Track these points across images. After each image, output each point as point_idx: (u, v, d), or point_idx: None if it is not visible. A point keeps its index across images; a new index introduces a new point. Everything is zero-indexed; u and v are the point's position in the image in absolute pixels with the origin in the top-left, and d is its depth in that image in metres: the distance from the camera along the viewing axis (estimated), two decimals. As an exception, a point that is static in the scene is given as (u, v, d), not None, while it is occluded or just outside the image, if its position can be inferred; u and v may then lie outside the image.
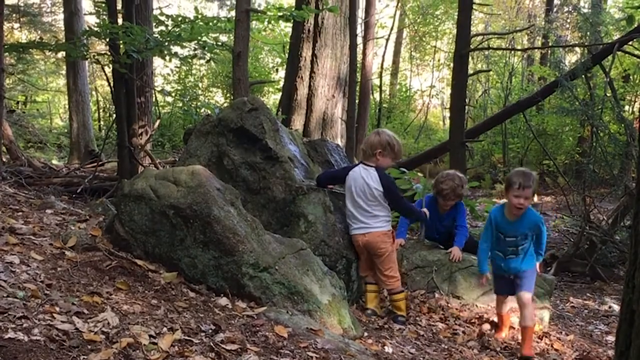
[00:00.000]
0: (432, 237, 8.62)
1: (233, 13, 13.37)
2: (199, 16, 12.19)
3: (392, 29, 30.83)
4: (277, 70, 29.22)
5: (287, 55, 17.92)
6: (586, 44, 13.33)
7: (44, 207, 8.08)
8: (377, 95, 29.49)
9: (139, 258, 6.08)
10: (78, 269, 5.52)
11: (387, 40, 30.96)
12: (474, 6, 13.64)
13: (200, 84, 29.52)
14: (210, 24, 12.36)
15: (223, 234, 5.83)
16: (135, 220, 6.21)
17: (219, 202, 6.01)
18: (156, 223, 6.10)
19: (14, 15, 20.38)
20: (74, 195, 11.95)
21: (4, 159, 13.67)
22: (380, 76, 30.38)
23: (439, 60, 36.76)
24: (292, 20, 13.25)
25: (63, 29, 21.28)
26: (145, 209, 6.16)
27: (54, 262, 5.56)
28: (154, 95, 16.53)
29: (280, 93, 19.09)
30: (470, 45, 13.49)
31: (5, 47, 12.03)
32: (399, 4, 31.24)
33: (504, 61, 27.86)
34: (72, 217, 7.72)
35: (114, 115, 13.71)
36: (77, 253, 5.96)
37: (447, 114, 27.81)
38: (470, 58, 15.87)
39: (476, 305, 7.79)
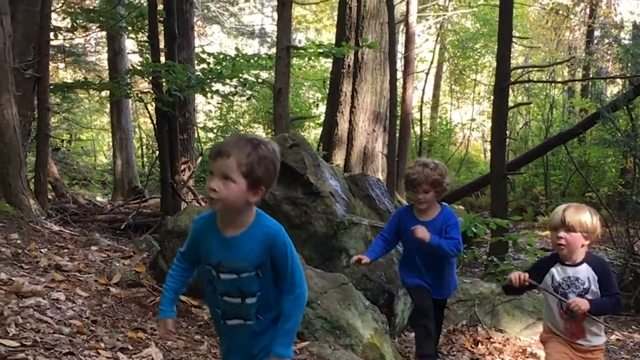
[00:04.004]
0: (413, 264, 5.99)
1: (273, 50, 13.51)
2: (240, 54, 12.33)
3: (431, 63, 30.83)
4: (317, 105, 29.32)
5: (327, 90, 18.03)
6: (627, 75, 13.29)
7: (88, 244, 8.19)
8: (417, 129, 29.46)
9: (182, 294, 6.13)
10: (122, 305, 5.60)
11: (427, 74, 30.95)
12: (514, 39, 13.65)
13: (241, 120, 29.73)
14: (251, 61, 12.51)
15: (265, 269, 5.86)
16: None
17: (261, 237, 6.05)
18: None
19: (59, 55, 20.74)
20: (117, 232, 12.06)
21: (50, 197, 13.86)
22: (421, 110, 30.34)
23: (479, 93, 36.64)
24: (332, 57, 13.35)
25: (107, 68, 21.60)
26: (188, 245, 6.21)
27: (99, 299, 5.64)
28: (196, 131, 16.69)
29: (321, 128, 19.18)
30: (511, 78, 13.48)
31: (51, 87, 12.25)
32: (439, 38, 31.27)
33: (545, 93, 27.72)
34: (116, 253, 7.82)
35: (157, 152, 13.86)
36: (121, 289, 6.04)
37: (488, 147, 27.69)
38: (510, 90, 15.84)
39: (519, 339, 7.73)
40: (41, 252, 6.86)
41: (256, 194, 3.12)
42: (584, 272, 4.50)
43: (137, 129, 29.89)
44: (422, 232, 5.59)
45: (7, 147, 8.50)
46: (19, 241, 6.96)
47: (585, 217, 4.47)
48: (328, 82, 18.46)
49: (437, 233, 5.70)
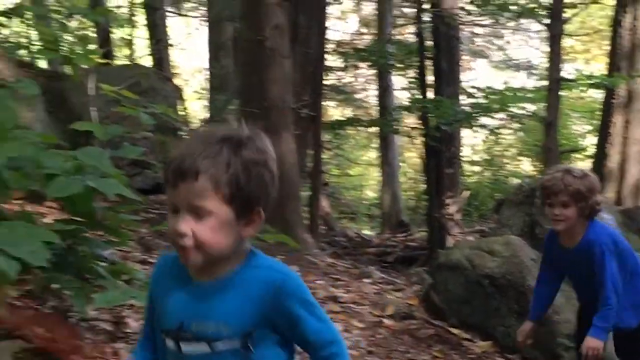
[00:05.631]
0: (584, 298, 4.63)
1: (541, 82, 13.40)
2: (508, 87, 12.32)
3: None
4: (585, 137, 28.57)
5: (597, 121, 17.56)
6: None
7: (361, 276, 8.42)
8: (695, 160, 27.89)
9: (453, 326, 6.20)
10: (396, 337, 5.73)
11: None
12: None
13: (507, 153, 29.44)
14: (519, 94, 12.44)
15: (538, 305, 5.82)
16: (450, 289, 6.36)
17: (533, 272, 6.01)
18: (470, 292, 6.21)
19: (330, 93, 21.52)
20: (386, 265, 12.28)
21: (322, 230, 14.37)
22: (699, 139, 28.75)
23: None
24: (602, 87, 13.03)
25: (374, 104, 22.15)
26: (460, 279, 6.30)
27: (374, 330, 5.80)
28: (461, 165, 16.75)
29: (590, 160, 18.66)
30: None
31: (324, 124, 12.80)
32: None
33: None
34: (388, 286, 8.01)
35: (423, 186, 14.05)
36: (395, 321, 6.18)
37: None
38: None
39: None
40: (318, 283, 7.15)
41: (251, 222, 1.96)
42: None
43: (401, 163, 30.31)
44: (592, 348, 4.12)
45: (285, 182, 8.94)
46: (297, 273, 7.26)
47: None
48: (597, 113, 17.99)
49: (586, 264, 4.22)
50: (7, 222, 3.35)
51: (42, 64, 11.67)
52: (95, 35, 16.56)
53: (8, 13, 9.70)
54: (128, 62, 17.64)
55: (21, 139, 3.63)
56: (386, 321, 6.14)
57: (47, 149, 3.75)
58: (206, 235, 1.87)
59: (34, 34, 13.11)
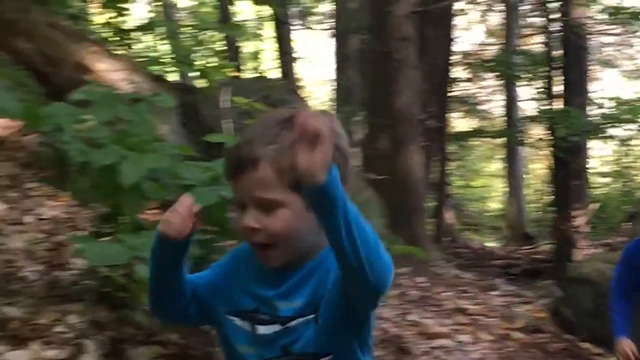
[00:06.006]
0: None
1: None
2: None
3: None
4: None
5: None
6: None
7: (488, 289, 8.38)
8: None
9: (584, 341, 6.11)
10: (525, 350, 5.70)
11: None
12: None
13: (636, 164, 28.69)
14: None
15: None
16: (579, 303, 6.28)
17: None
18: (600, 306, 6.10)
19: (454, 105, 21.43)
20: (511, 277, 12.15)
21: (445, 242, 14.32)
22: None
23: None
24: None
25: (498, 115, 21.92)
26: (590, 292, 6.21)
27: (503, 343, 5.78)
28: (588, 177, 16.45)
29: None
30: None
31: (449, 136, 12.78)
32: None
33: None
34: (516, 298, 7.94)
35: (549, 198, 13.86)
36: (524, 334, 6.14)
37: None
38: None
39: None
40: (445, 295, 7.15)
41: None
42: None
43: (527, 175, 29.76)
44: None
45: (411, 193, 8.99)
46: (424, 284, 7.30)
47: None
48: None
49: None
50: (145, 231, 3.46)
51: (172, 77, 12.04)
52: (225, 48, 16.96)
53: (142, 28, 10.10)
54: (256, 75, 17.97)
55: (159, 151, 3.75)
56: (515, 334, 6.10)
57: (182, 160, 3.86)
58: (279, 227, 1.72)
59: (163, 48, 13.54)
